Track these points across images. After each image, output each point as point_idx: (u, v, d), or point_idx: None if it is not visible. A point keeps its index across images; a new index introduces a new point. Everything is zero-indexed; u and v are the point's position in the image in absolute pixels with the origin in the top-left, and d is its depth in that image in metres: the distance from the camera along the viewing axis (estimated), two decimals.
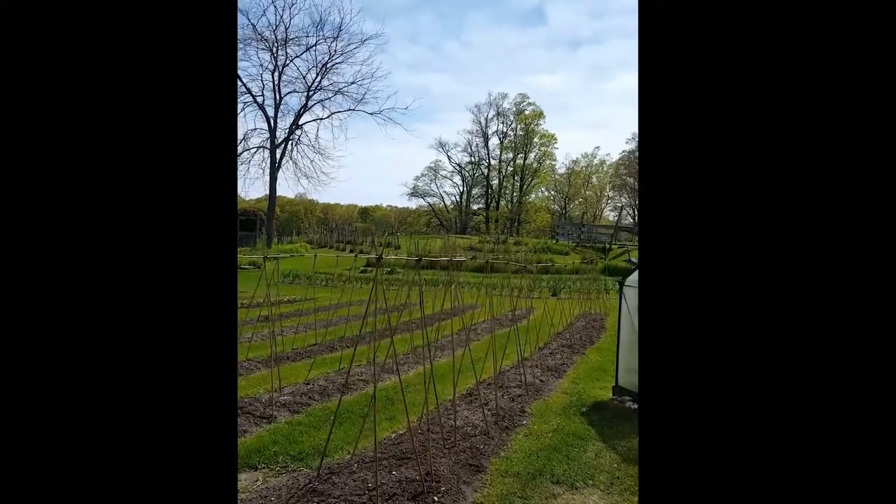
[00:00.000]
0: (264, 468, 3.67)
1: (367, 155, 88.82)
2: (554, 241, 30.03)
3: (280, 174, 33.72)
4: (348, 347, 7.86)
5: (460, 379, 6.23)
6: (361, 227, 48.96)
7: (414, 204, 63.59)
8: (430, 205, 58.71)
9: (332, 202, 78.23)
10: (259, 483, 3.43)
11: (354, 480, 3.32)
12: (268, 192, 32.77)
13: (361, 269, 20.03)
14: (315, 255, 10.43)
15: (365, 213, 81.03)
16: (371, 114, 39.62)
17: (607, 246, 26.04)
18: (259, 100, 34.09)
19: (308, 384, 5.57)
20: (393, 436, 4.29)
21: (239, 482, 3.45)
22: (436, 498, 3.21)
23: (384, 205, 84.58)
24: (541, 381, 6.19)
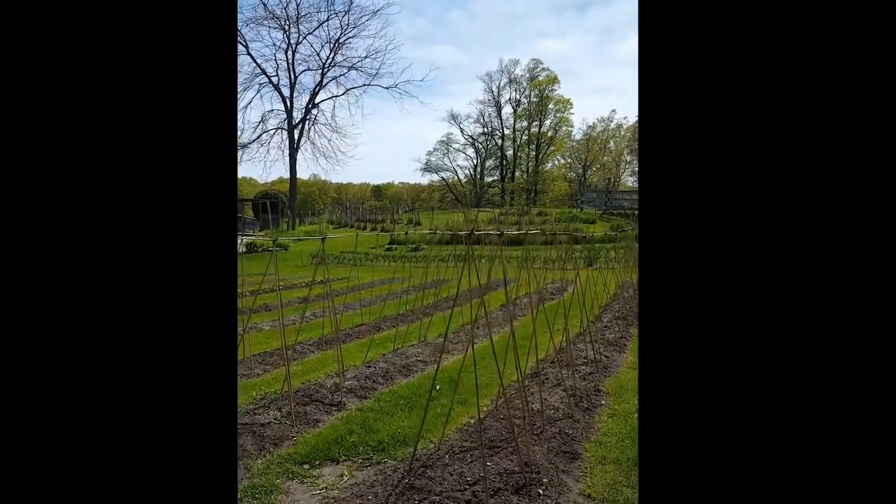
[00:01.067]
0: (346, 461, 3.48)
1: (376, 132, 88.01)
2: (578, 210, 29.48)
3: (299, 155, 33.45)
4: (392, 327, 7.66)
5: (520, 356, 6.02)
6: (379, 206, 48.65)
7: (426, 180, 63.05)
8: (443, 179, 58.10)
9: (344, 181, 77.90)
10: (346, 478, 3.23)
11: (451, 474, 3.10)
12: (288, 174, 32.56)
13: (386, 246, 19.81)
14: (357, 235, 10.19)
15: (378, 191, 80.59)
16: (387, 88, 38.62)
17: (636, 212, 25.45)
18: (274, 80, 33.53)
19: (369, 367, 5.37)
20: (472, 421, 4.07)
21: (322, 477, 3.27)
22: (540, 490, 2.98)
23: (396, 182, 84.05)
24: (605, 356, 5.92)
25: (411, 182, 78.10)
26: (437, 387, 4.85)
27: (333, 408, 4.30)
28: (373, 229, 25.94)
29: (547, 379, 4.96)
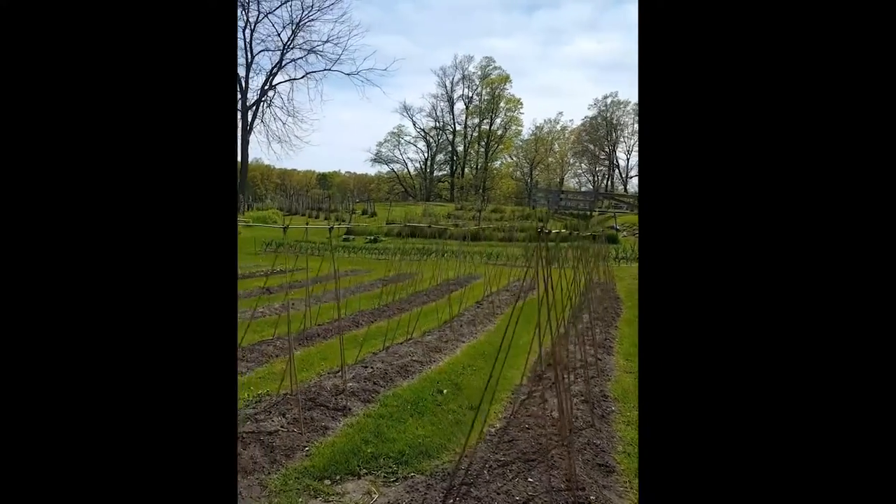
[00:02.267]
0: (368, 474, 3.19)
1: (323, 119, 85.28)
2: (531, 209, 29.87)
3: (252, 137, 31.68)
4: (370, 322, 7.32)
5: (509, 357, 5.87)
6: (327, 194, 47.24)
7: (374, 170, 62.00)
8: (393, 171, 57.36)
9: (288, 168, 75.28)
10: (376, 497, 2.95)
11: (497, 492, 2.89)
12: (239, 157, 30.91)
13: (343, 237, 19.21)
14: (341, 226, 9.76)
15: (324, 179, 78.45)
16: (348, 74, 37.13)
17: (589, 213, 26.10)
18: None
19: (365, 367, 5.04)
20: (492, 430, 3.87)
21: (347, 494, 2.97)
22: None
23: (342, 171, 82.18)
24: (598, 358, 5.89)
25: (358, 172, 76.65)
26: (444, 391, 4.62)
27: (339, 413, 3.97)
28: (325, 218, 25.11)
29: (548, 382, 4.83)
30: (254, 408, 3.97)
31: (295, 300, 8.51)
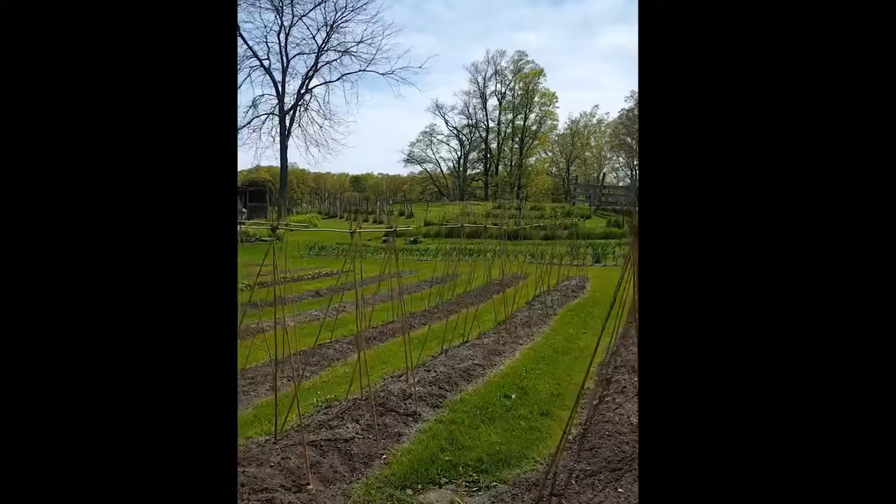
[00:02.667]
0: (449, 483, 3.11)
1: (358, 120, 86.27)
2: (571, 205, 29.36)
3: (290, 142, 32.20)
4: (422, 325, 7.27)
5: (572, 360, 5.72)
6: (360, 197, 47.73)
7: (406, 171, 62.23)
8: (426, 171, 57.46)
9: (322, 171, 76.40)
10: None
11: None
12: (269, 162, 31.59)
13: (383, 239, 19.32)
14: (399, 228, 9.77)
15: (357, 181, 79.36)
16: (383, 74, 37.21)
17: (634, 208, 25.44)
18: (266, 63, 32.20)
19: (428, 370, 4.98)
20: (571, 437, 3.73)
21: None
22: None
23: (375, 173, 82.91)
24: None
25: (390, 173, 77.16)
26: (512, 396, 4.50)
27: (410, 418, 3.91)
28: (364, 220, 25.31)
29: (625, 388, 4.66)
30: (325, 413, 3.95)
31: (345, 303, 8.55)
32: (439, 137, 56.06)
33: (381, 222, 22.62)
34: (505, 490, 3.01)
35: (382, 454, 3.37)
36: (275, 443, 3.33)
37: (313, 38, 33.79)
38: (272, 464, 3.03)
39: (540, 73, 51.96)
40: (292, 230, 21.41)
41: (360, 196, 48.59)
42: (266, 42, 37.03)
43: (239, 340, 5.98)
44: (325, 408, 4.12)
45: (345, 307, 7.89)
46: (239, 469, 2.95)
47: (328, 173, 77.98)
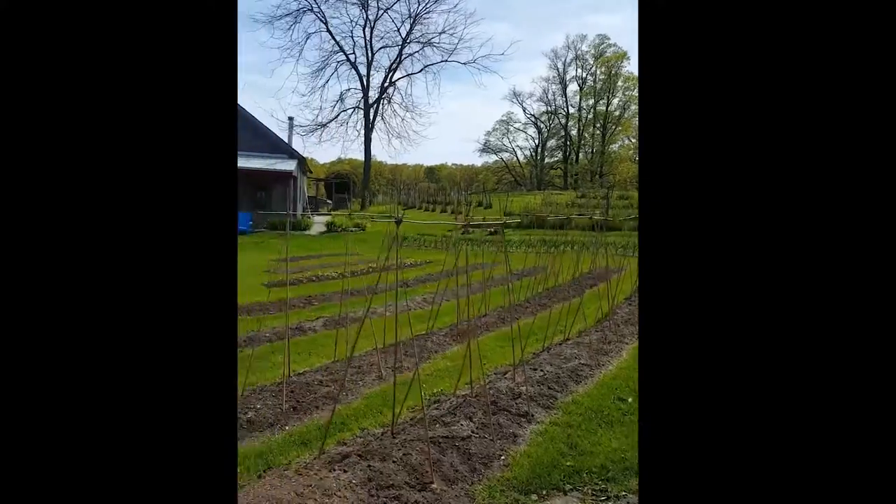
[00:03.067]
0: (574, 490, 2.95)
1: (439, 111, 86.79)
2: None
3: (373, 135, 32.84)
4: (516, 318, 7.09)
5: None
6: (436, 188, 48.10)
7: (480, 161, 61.85)
8: (502, 160, 56.81)
9: (398, 162, 77.75)
10: None
11: None
12: (350, 155, 32.44)
13: (462, 229, 19.28)
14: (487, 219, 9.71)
15: (431, 172, 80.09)
16: (465, 63, 36.97)
17: None
18: (351, 58, 33.04)
19: (534, 369, 4.82)
20: None
21: None
22: None
23: (449, 163, 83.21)
24: None
25: (464, 163, 77.17)
26: (628, 399, 4.25)
27: (523, 419, 3.78)
28: (442, 211, 25.46)
29: None
30: (437, 408, 3.91)
31: (428, 294, 8.56)
32: (516, 126, 55.26)
33: (459, 213, 22.60)
34: (636, 501, 2.80)
35: (500, 455, 3.26)
36: (393, 437, 3.32)
37: (397, 30, 34.20)
38: (395, 459, 3.01)
39: (623, 56, 49.68)
40: (375, 220, 21.92)
41: (436, 187, 48.95)
42: (352, 37, 38.07)
43: (337, 329, 6.14)
44: (435, 402, 4.08)
45: (429, 299, 7.89)
46: (364, 462, 2.96)
47: (404, 164, 79.36)
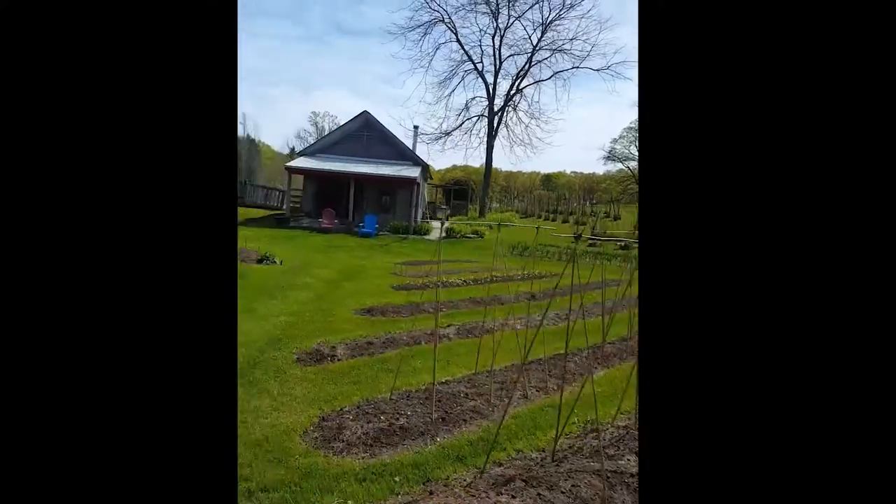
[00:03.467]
0: None
1: (566, 119, 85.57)
2: None
3: (496, 142, 32.90)
4: None
5: None
6: (547, 196, 47.14)
7: (602, 169, 59.56)
8: (629, 169, 54.23)
9: (514, 170, 77.41)
10: None
11: None
12: (467, 162, 32.83)
13: (588, 241, 18.59)
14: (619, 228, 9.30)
15: (547, 180, 78.72)
16: (597, 70, 35.87)
17: None
18: (479, 67, 33.55)
19: None
20: None
21: None
22: None
23: (568, 171, 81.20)
24: None
25: (584, 171, 74.89)
26: None
27: None
28: (564, 221, 24.76)
29: None
30: (594, 437, 3.64)
31: (565, 310, 8.21)
32: None
33: (583, 224, 21.83)
34: None
35: None
36: (557, 464, 3.12)
37: (528, 38, 33.97)
38: (563, 490, 2.81)
39: None
40: (491, 227, 21.89)
41: (554, 195, 47.96)
42: (480, 45, 38.53)
43: (471, 339, 6.05)
44: (592, 431, 3.80)
45: (565, 315, 7.55)
46: (532, 490, 2.79)
47: (519, 172, 78.95)
